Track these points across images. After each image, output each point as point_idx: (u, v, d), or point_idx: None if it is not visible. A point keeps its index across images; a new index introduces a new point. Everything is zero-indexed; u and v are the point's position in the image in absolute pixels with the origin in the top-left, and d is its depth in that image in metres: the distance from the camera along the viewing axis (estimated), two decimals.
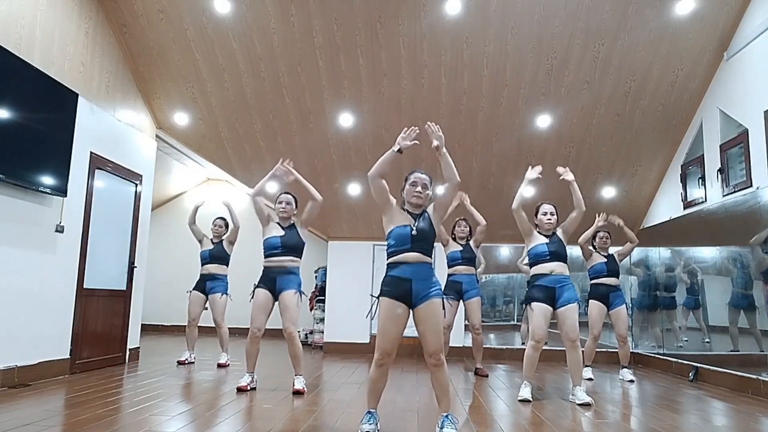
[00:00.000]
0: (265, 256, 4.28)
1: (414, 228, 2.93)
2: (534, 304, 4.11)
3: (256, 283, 4.27)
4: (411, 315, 2.94)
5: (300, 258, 4.34)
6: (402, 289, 2.89)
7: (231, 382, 4.56)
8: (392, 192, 3.08)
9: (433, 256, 3.03)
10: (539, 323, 4.09)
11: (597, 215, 5.37)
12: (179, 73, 5.76)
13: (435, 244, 3.17)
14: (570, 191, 4.26)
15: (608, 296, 5.34)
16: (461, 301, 5.60)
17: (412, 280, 2.89)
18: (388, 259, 3.00)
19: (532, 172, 4.21)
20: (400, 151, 2.96)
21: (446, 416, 2.89)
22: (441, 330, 2.91)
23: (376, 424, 2.93)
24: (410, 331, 2.91)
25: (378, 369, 2.91)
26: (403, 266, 2.92)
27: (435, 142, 2.94)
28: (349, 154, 6.43)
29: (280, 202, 4.33)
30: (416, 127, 3.01)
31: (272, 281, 4.22)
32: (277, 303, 4.25)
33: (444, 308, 2.98)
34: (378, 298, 2.96)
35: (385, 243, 3.04)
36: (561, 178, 4.23)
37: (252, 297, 4.23)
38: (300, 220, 4.35)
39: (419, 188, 3.00)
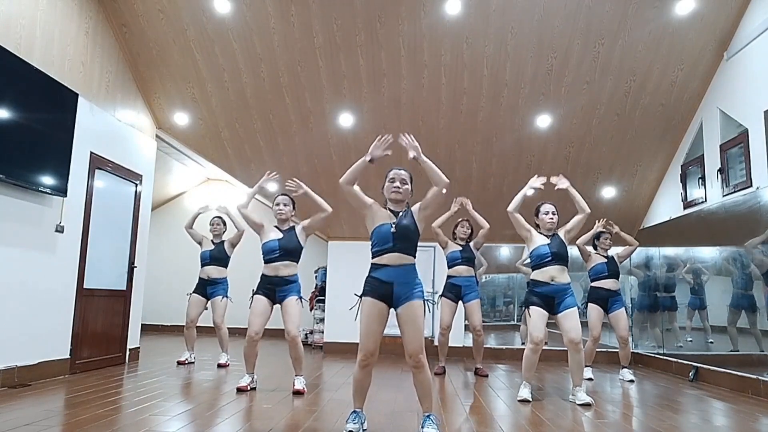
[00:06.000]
0: (264, 261, 4.26)
1: (394, 225, 2.93)
2: (532, 308, 4.14)
3: (255, 289, 4.26)
4: (395, 315, 2.96)
5: (297, 262, 4.31)
6: (383, 291, 2.92)
7: (231, 382, 4.56)
8: (374, 192, 3.09)
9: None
10: (538, 326, 4.10)
11: (597, 221, 5.39)
12: (179, 73, 5.75)
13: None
14: (570, 197, 4.27)
15: (607, 300, 5.34)
16: (461, 302, 5.61)
17: (394, 283, 2.91)
18: (372, 259, 3.01)
19: (537, 181, 4.22)
20: (372, 161, 2.96)
21: (428, 416, 2.91)
22: (421, 332, 2.91)
23: (362, 423, 2.97)
24: None
25: (362, 370, 2.93)
26: (386, 269, 2.93)
27: (411, 153, 2.94)
28: (349, 154, 6.42)
29: (278, 204, 4.31)
30: (390, 136, 2.97)
31: (272, 290, 4.21)
32: (277, 307, 4.25)
33: (428, 309, 2.99)
34: (361, 297, 2.98)
35: None
36: (556, 188, 4.24)
37: (251, 303, 4.23)
38: (303, 226, 4.33)
39: (397, 183, 3.02)
